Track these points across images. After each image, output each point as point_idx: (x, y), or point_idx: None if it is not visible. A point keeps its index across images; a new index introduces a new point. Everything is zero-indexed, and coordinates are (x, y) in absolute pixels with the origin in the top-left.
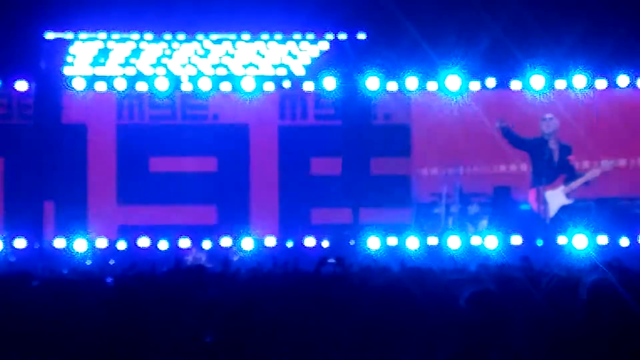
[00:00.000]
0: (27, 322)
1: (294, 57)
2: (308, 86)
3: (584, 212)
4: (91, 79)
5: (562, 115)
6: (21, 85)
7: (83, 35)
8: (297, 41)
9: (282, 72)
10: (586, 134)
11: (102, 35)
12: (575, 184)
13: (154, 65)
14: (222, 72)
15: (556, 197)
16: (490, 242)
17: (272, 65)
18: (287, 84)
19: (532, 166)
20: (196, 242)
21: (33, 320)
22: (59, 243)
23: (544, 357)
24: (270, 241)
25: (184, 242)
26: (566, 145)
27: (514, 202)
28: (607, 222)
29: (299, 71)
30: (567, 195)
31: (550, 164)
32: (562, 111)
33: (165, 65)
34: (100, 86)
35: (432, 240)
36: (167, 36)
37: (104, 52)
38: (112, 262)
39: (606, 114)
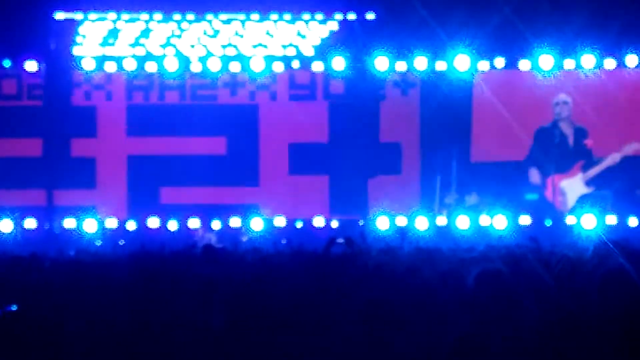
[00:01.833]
0: (35, 304)
1: (303, 37)
2: (317, 66)
3: (606, 201)
4: (101, 60)
5: (573, 96)
6: (31, 66)
7: (93, 16)
8: (306, 21)
9: (291, 52)
10: (600, 115)
11: (112, 15)
12: (595, 170)
13: (163, 46)
14: (231, 52)
15: (574, 187)
16: (500, 223)
17: (282, 46)
18: (296, 64)
19: (541, 153)
20: (206, 223)
21: (42, 302)
22: (69, 223)
23: (552, 336)
24: (280, 221)
25: (194, 222)
26: (581, 128)
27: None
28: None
29: (308, 51)
30: (587, 183)
31: (563, 150)
32: (573, 92)
33: (174, 46)
34: (110, 66)
35: (441, 221)
36: (177, 16)
37: (114, 33)
38: (122, 242)
39: (618, 94)
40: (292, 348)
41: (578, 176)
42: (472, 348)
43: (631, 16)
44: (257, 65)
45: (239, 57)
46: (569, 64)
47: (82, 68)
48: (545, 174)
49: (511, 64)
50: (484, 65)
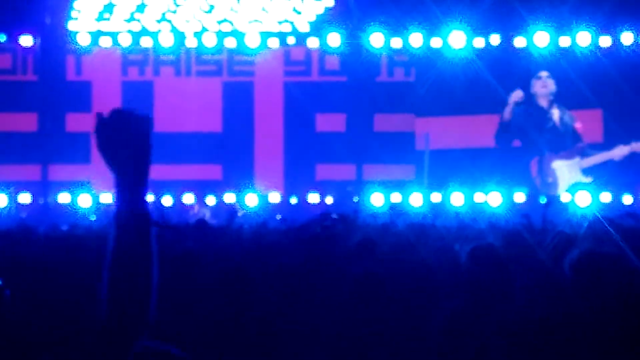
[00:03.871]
0: (30, 277)
1: (299, 13)
2: (312, 42)
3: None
4: (96, 35)
5: (566, 75)
6: (26, 40)
7: None
8: None
9: (286, 28)
10: (594, 96)
11: None
12: (596, 159)
13: (158, 21)
14: (226, 28)
15: (569, 171)
16: (494, 199)
17: (277, 22)
18: (291, 40)
19: (528, 134)
20: (200, 198)
21: (37, 275)
22: (63, 198)
23: (546, 312)
24: (275, 197)
25: (188, 198)
26: (568, 112)
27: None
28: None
29: (304, 27)
30: (585, 171)
31: (554, 131)
32: (566, 70)
33: (169, 21)
34: (105, 41)
35: (436, 197)
36: None
37: (109, 7)
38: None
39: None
40: (284, 324)
41: (575, 160)
42: (464, 324)
43: None
44: (253, 41)
45: (234, 33)
46: (564, 41)
47: (77, 43)
48: (529, 154)
49: (506, 41)
50: (479, 42)
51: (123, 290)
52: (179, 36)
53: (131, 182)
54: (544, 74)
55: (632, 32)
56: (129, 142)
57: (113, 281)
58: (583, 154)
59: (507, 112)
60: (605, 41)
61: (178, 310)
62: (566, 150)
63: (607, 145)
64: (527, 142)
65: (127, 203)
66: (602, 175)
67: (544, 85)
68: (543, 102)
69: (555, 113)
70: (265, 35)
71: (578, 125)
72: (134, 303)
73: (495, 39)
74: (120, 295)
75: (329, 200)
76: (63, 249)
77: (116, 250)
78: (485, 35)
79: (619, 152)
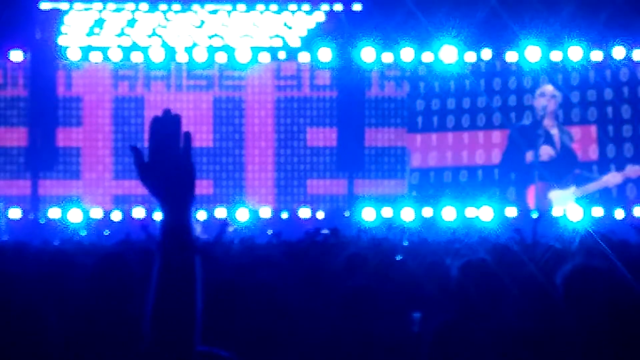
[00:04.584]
0: (21, 293)
1: (290, 28)
2: (303, 57)
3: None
4: (86, 49)
5: (558, 89)
6: (16, 55)
7: (78, 5)
8: (293, 12)
9: (277, 43)
10: (589, 112)
11: (98, 5)
12: (592, 187)
13: (149, 36)
14: (217, 42)
15: (564, 201)
16: (486, 214)
17: (268, 36)
18: (282, 55)
19: (519, 157)
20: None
21: (27, 291)
22: (54, 213)
23: (537, 327)
24: (266, 212)
25: None
26: (567, 131)
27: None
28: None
29: (295, 42)
30: (580, 199)
31: (553, 160)
32: (560, 86)
33: (160, 36)
34: (96, 57)
35: (427, 212)
36: (163, 6)
37: (99, 22)
38: (107, 232)
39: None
40: (274, 339)
41: (570, 190)
42: (456, 338)
43: (618, 8)
44: (244, 56)
45: (225, 48)
46: (556, 55)
47: (67, 58)
48: (524, 183)
49: (498, 56)
50: (470, 57)
51: (169, 316)
52: (170, 51)
53: (179, 207)
54: (548, 89)
55: (624, 47)
56: (172, 167)
57: (159, 306)
58: (579, 182)
59: (530, 155)
60: (597, 55)
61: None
62: (563, 178)
63: (601, 163)
64: (525, 167)
65: (174, 227)
66: (596, 199)
67: (548, 103)
68: (547, 122)
69: (556, 134)
70: (256, 50)
71: (575, 146)
72: (179, 328)
73: (486, 54)
74: (166, 320)
75: (320, 215)
76: (55, 265)
77: (163, 273)
78: (477, 49)
79: (613, 179)
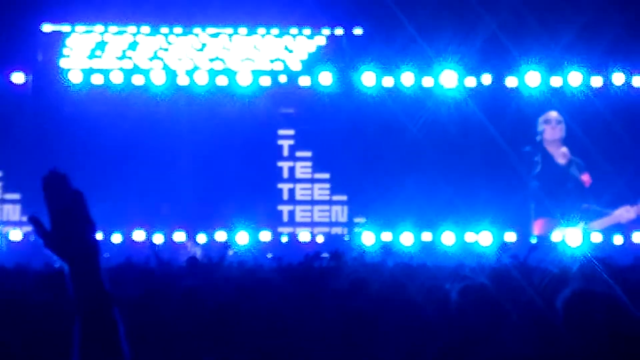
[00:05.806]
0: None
1: (291, 51)
2: (304, 81)
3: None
4: (88, 72)
5: (566, 119)
6: (18, 78)
7: (80, 28)
8: (294, 36)
9: (278, 66)
10: (595, 142)
11: (99, 27)
12: (602, 224)
13: (150, 59)
14: (218, 66)
15: (574, 238)
16: (485, 239)
17: (269, 60)
18: (283, 79)
19: (533, 189)
20: (192, 236)
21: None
22: None
23: (537, 352)
24: (266, 235)
25: (179, 236)
26: (577, 161)
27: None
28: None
29: (296, 66)
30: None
31: (561, 188)
32: (565, 114)
33: (161, 59)
34: (97, 79)
35: (427, 236)
36: (164, 29)
37: (101, 45)
38: (106, 255)
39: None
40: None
41: (579, 226)
42: None
43: (618, 33)
44: (245, 80)
45: (226, 71)
46: (556, 81)
47: (69, 80)
48: (529, 215)
49: (498, 81)
50: (470, 82)
51: None
52: (171, 74)
53: (87, 263)
54: (553, 116)
55: (624, 73)
56: (74, 230)
57: None
58: (589, 217)
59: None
60: (597, 81)
61: (167, 347)
62: (571, 213)
63: (609, 195)
64: (537, 199)
65: (87, 283)
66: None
67: (553, 131)
68: (552, 150)
69: (563, 163)
70: (257, 73)
71: (585, 178)
72: None
73: (487, 79)
74: None
75: (320, 239)
76: (57, 287)
77: (84, 330)
78: (477, 74)
79: (626, 214)
